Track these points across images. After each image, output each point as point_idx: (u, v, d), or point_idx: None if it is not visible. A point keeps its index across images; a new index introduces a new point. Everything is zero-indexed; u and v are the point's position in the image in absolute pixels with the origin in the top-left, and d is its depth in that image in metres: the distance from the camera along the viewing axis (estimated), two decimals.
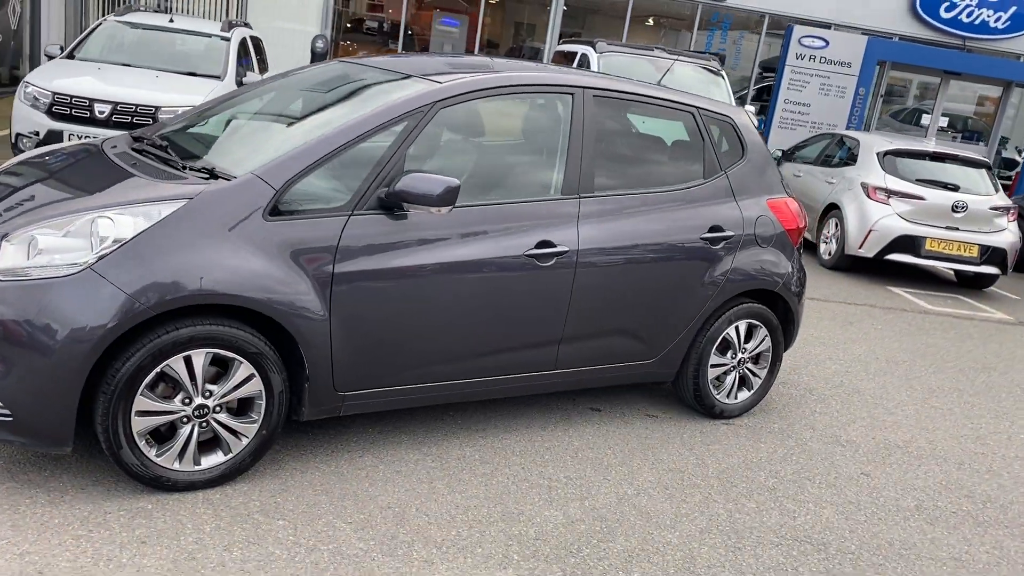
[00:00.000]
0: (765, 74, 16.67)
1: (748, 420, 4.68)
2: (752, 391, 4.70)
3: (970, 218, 8.96)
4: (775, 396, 5.10)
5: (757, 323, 4.58)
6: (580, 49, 10.81)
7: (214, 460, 3.22)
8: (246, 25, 10.09)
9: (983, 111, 17.36)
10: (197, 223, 3.06)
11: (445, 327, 3.59)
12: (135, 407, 2.99)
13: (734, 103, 10.41)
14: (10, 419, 2.88)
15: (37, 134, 7.32)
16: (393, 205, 3.38)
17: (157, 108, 7.38)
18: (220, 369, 3.15)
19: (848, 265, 9.38)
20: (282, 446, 3.63)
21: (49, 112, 7.38)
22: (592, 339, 4.04)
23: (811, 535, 3.55)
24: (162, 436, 3.14)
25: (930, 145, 9.75)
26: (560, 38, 15.43)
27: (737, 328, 4.51)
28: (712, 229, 4.30)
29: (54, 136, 7.26)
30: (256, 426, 3.26)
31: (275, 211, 3.19)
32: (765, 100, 15.86)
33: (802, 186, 10.47)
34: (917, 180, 9.11)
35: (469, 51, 16.29)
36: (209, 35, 8.98)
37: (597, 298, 3.97)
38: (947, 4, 15.48)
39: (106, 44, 8.64)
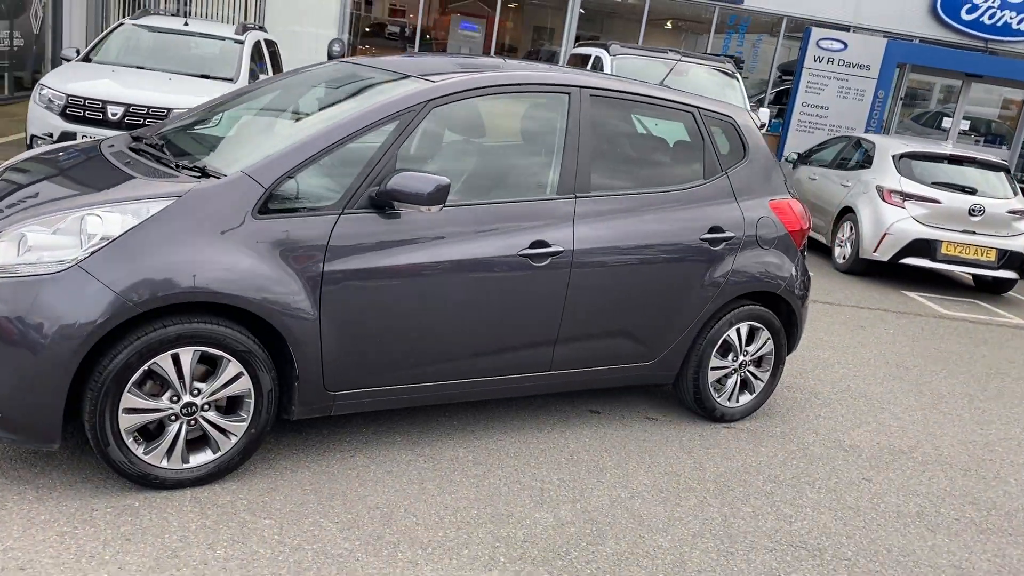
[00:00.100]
0: (784, 77, 16.53)
1: (750, 424, 4.62)
2: (754, 394, 4.64)
3: (987, 222, 8.83)
4: (778, 400, 5.04)
5: (759, 326, 4.52)
6: (594, 52, 10.77)
7: (203, 458, 3.22)
8: (261, 28, 10.16)
9: (1008, 114, 17.12)
10: (185, 221, 3.06)
11: (438, 327, 3.57)
12: (122, 404, 3.00)
13: (749, 106, 10.33)
14: None
15: (51, 135, 7.40)
16: (384, 204, 3.37)
17: (169, 110, 7.43)
18: (209, 367, 3.16)
19: (863, 269, 9.27)
20: (274, 445, 3.63)
21: (63, 114, 7.46)
22: (589, 340, 4.01)
23: (807, 540, 3.49)
24: (151, 434, 3.15)
25: (947, 148, 9.62)
26: (576, 41, 15.40)
27: (738, 330, 4.46)
28: (712, 230, 4.25)
29: (67, 138, 7.33)
30: (245, 425, 3.26)
31: (264, 209, 3.19)
32: (784, 103, 15.74)
33: (817, 189, 10.37)
34: (933, 183, 8.98)
35: (486, 54, 16.31)
36: (223, 38, 9.05)
37: (593, 299, 3.94)
38: (968, 6, 15.28)
39: (122, 47, 8.73)
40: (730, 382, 4.54)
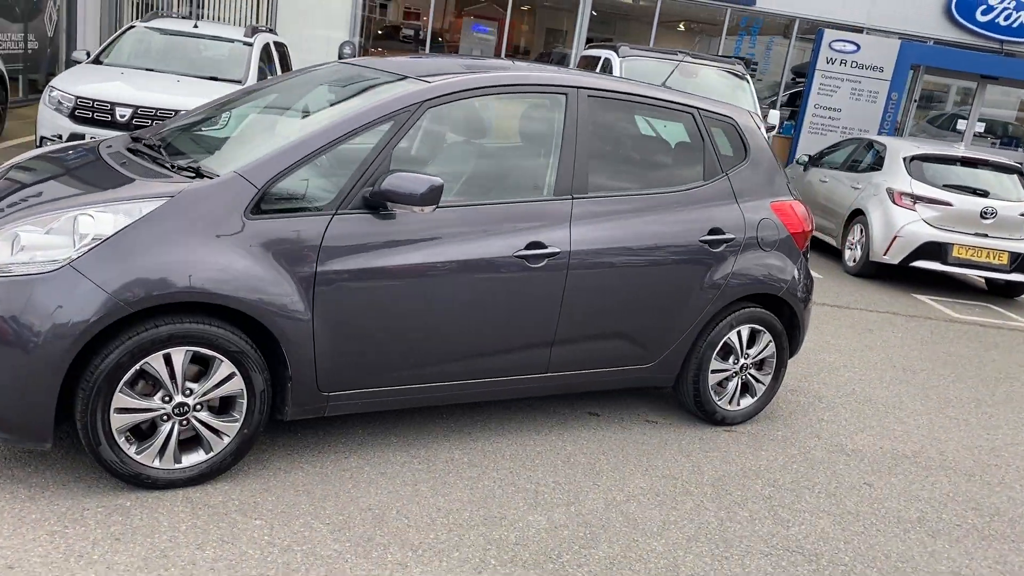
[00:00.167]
0: (797, 79, 16.44)
1: (751, 427, 4.58)
2: (756, 398, 4.60)
3: (1000, 224, 8.73)
4: (781, 403, 4.99)
5: (760, 328, 4.48)
6: (603, 54, 10.75)
7: (195, 459, 3.22)
8: (271, 31, 10.19)
9: None
10: (178, 221, 3.07)
11: (433, 328, 3.56)
12: (114, 404, 3.00)
13: (759, 107, 10.27)
14: None
15: (60, 137, 7.45)
16: (378, 204, 3.37)
17: (177, 112, 7.45)
18: (202, 367, 3.16)
19: (873, 272, 9.20)
20: (268, 446, 3.63)
21: (72, 116, 7.51)
22: (586, 342, 3.99)
23: (803, 545, 3.45)
24: (143, 434, 3.15)
25: (959, 150, 9.53)
26: (587, 43, 15.38)
27: (739, 333, 4.42)
28: (712, 232, 4.22)
29: (76, 139, 7.37)
30: (238, 425, 3.26)
31: (257, 209, 3.19)
32: (797, 106, 15.64)
33: (828, 192, 10.30)
34: (944, 185, 8.90)
35: (496, 56, 16.31)
36: (232, 40, 9.09)
37: (590, 300, 3.91)
38: (984, 7, 15.15)
39: (132, 49, 8.78)
40: (731, 385, 4.50)
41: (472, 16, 17.45)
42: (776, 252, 4.46)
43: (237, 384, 3.20)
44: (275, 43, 9.90)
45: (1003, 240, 8.74)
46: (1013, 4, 15.04)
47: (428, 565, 2.96)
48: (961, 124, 15.55)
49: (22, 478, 3.15)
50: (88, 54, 8.81)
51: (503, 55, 16.40)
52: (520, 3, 16.89)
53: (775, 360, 4.58)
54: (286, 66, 10.24)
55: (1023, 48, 15.46)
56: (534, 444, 4.01)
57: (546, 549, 3.16)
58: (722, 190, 4.32)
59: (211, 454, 3.24)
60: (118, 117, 7.46)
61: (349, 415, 3.96)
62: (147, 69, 8.38)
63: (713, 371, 4.41)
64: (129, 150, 3.72)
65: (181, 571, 2.74)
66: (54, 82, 7.87)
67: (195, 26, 9.18)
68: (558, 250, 3.76)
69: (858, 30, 15.04)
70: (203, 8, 14.34)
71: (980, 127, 15.68)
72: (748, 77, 10.52)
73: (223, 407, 3.25)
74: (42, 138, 7.61)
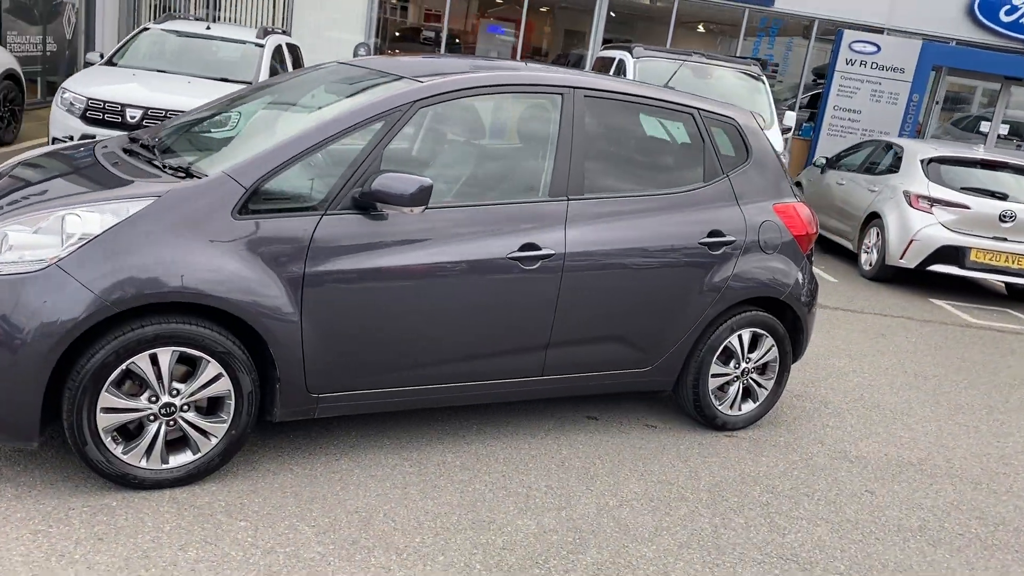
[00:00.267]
0: (818, 80, 16.27)
1: (752, 432, 4.51)
2: (758, 403, 4.53)
3: (1020, 228, 8.57)
4: (786, 408, 4.92)
5: (762, 332, 4.42)
6: (617, 55, 10.69)
7: (183, 459, 3.22)
8: (284, 32, 10.23)
9: None
10: (164, 221, 3.06)
11: (424, 330, 3.53)
12: (100, 403, 3.00)
13: (774, 108, 10.16)
14: None
15: (72, 138, 7.50)
16: (368, 205, 3.34)
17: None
18: (190, 368, 3.15)
19: (890, 276, 9.06)
20: (259, 447, 3.61)
21: (83, 117, 7.57)
22: (582, 345, 3.94)
23: (798, 553, 3.39)
24: (131, 434, 3.14)
25: (978, 152, 9.37)
26: (603, 44, 15.31)
27: (740, 337, 4.36)
28: (711, 234, 4.16)
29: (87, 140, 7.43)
30: (225, 426, 3.24)
31: (245, 209, 3.17)
32: (818, 107, 15.48)
33: (845, 194, 10.17)
34: (962, 188, 8.76)
35: (513, 57, 16.28)
36: (244, 42, 9.13)
37: (586, 303, 3.87)
38: (1007, 7, 14.90)
39: (145, 51, 8.84)
40: (732, 390, 4.44)
41: (491, 18, 17.44)
42: (778, 255, 4.38)
43: (224, 385, 3.18)
44: (288, 45, 9.94)
45: (1023, 244, 8.57)
46: None
47: (412, 569, 2.93)
48: (985, 126, 15.32)
49: (11, 477, 3.15)
50: (102, 56, 8.88)
51: (518, 57, 16.37)
52: (538, 4, 16.86)
53: (778, 364, 4.51)
54: (298, 68, 10.28)
55: None
56: (529, 448, 3.97)
57: (533, 554, 3.12)
58: (723, 191, 4.26)
59: (199, 455, 3.23)
60: (128, 118, 7.51)
61: (342, 417, 3.94)
62: (159, 71, 8.43)
63: (713, 375, 4.34)
64: (124, 150, 3.73)
65: (162, 572, 2.73)
66: (66, 84, 7.94)
67: (207, 28, 9.24)
68: (552, 252, 3.72)
69: (878, 31, 14.85)
70: (219, 10, 14.43)
71: (1004, 129, 15.43)
72: (764, 78, 10.41)
73: (211, 408, 3.24)
74: (54, 139, 7.68)
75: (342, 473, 3.50)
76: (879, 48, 13.90)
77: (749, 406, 4.51)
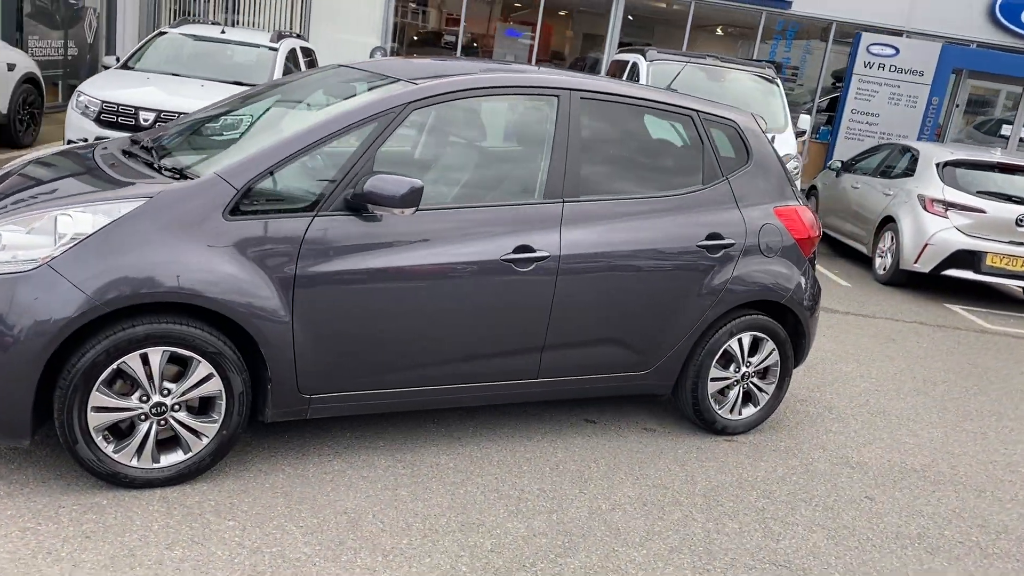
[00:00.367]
0: (837, 84, 16.14)
1: (753, 437, 4.47)
2: (759, 407, 4.49)
3: None
4: (789, 413, 4.87)
5: (763, 336, 4.38)
6: (631, 58, 10.66)
7: (174, 459, 3.23)
8: (298, 36, 10.29)
9: None
10: (156, 221, 3.08)
11: (417, 332, 3.53)
12: (91, 402, 3.03)
13: (788, 111, 10.09)
14: None
15: (86, 140, 7.58)
16: (360, 206, 3.35)
17: None
18: (181, 368, 3.17)
19: (904, 280, 8.96)
20: (253, 447, 3.63)
21: (97, 120, 7.66)
22: (578, 348, 3.92)
23: (792, 560, 3.35)
24: (122, 433, 3.17)
25: (995, 155, 9.25)
26: (620, 47, 15.28)
27: (740, 341, 4.32)
28: (710, 236, 4.13)
29: None
30: (216, 426, 3.26)
31: (236, 211, 3.19)
32: (836, 111, 15.36)
33: (859, 198, 10.08)
34: (978, 192, 8.64)
35: (529, 62, 16.28)
36: (258, 46, 9.20)
37: (582, 305, 3.85)
38: None
39: (161, 55, 8.93)
40: (732, 394, 4.40)
41: (510, 22, 17.45)
42: (779, 258, 4.35)
43: (215, 385, 3.20)
44: (302, 48, 10.00)
45: None
46: None
47: (397, 571, 2.93)
48: (1006, 129, 15.13)
49: (3, 475, 3.19)
50: (118, 59, 8.98)
51: (534, 61, 16.37)
52: (556, 8, 16.84)
53: (779, 369, 4.47)
54: None
55: None
56: (524, 450, 3.96)
57: (520, 557, 3.11)
58: (722, 194, 4.23)
59: (190, 454, 3.25)
60: (142, 121, 7.59)
61: (339, 418, 3.94)
62: (173, 74, 8.51)
63: (713, 379, 4.31)
64: (123, 152, 3.76)
65: (147, 570, 2.74)
66: (81, 87, 8.03)
67: (222, 32, 9.31)
68: (547, 254, 3.71)
69: (897, 33, 14.71)
70: (238, 14, 14.55)
71: None
72: (778, 81, 10.34)
73: (202, 408, 3.25)
74: (68, 141, 7.77)
75: (334, 474, 3.51)
76: (897, 51, 13.78)
77: (750, 410, 4.47)
